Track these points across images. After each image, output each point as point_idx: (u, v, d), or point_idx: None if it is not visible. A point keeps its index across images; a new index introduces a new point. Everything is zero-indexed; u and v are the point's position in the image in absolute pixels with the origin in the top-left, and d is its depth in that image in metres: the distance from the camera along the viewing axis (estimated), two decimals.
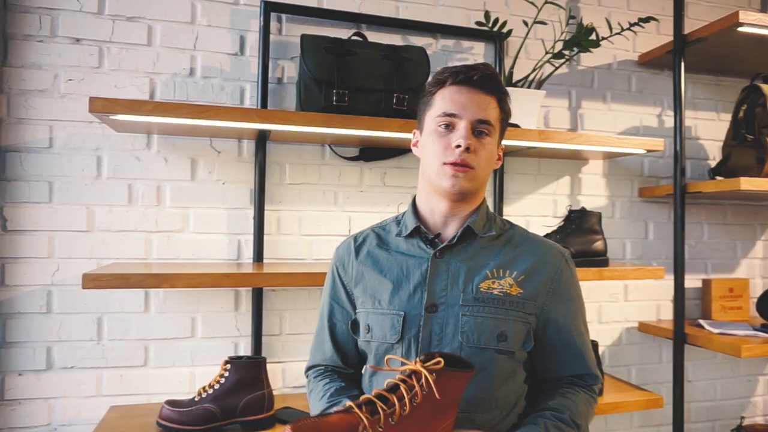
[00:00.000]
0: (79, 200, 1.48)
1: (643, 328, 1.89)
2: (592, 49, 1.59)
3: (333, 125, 1.35)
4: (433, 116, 0.98)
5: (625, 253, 1.93)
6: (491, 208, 1.77)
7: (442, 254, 0.98)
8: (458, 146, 0.94)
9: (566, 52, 1.56)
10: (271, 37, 1.60)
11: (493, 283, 0.96)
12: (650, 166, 1.97)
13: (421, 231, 1.02)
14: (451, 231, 1.01)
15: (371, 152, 1.67)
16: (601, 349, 1.89)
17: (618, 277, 1.57)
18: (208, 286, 1.29)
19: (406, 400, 0.73)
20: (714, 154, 2.02)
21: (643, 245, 1.95)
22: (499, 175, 1.78)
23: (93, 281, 1.20)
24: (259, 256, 1.57)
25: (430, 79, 1.02)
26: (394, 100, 1.43)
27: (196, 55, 1.58)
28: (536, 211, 1.83)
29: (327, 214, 1.66)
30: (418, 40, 1.73)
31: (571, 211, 1.61)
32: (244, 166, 1.60)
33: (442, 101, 0.97)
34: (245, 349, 1.58)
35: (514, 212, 1.81)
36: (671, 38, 1.78)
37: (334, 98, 1.40)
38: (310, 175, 1.65)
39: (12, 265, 1.44)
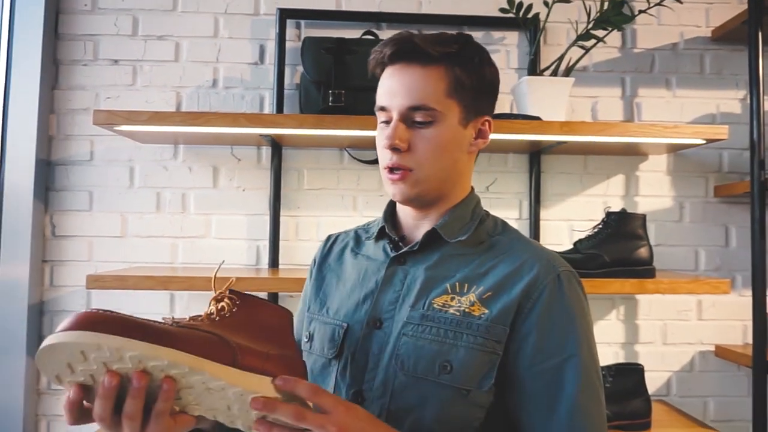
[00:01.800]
0: (114, 208, 1.60)
1: (721, 352, 1.58)
2: (635, 26, 1.40)
3: (326, 126, 1.31)
4: (375, 108, 0.83)
5: (699, 263, 1.64)
6: (519, 210, 1.61)
7: (403, 260, 0.82)
8: (388, 147, 0.78)
9: (597, 33, 1.37)
10: (289, 43, 1.61)
11: (452, 299, 0.77)
12: (731, 160, 1.66)
13: (387, 233, 0.86)
14: (420, 233, 0.84)
15: None
16: (666, 375, 1.61)
17: (665, 291, 1.33)
18: (199, 290, 1.30)
19: (215, 310, 0.67)
20: None
21: (723, 254, 1.64)
22: (535, 174, 1.60)
23: (95, 282, 1.28)
24: (274, 261, 1.57)
25: (369, 60, 0.84)
26: None
27: (219, 66, 1.63)
28: (581, 214, 1.62)
29: (346, 219, 1.62)
30: None
31: (608, 213, 1.40)
32: (262, 173, 1.61)
33: (379, 92, 0.82)
34: None
35: (554, 216, 1.62)
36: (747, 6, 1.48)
37: (330, 99, 1.36)
38: (329, 180, 1.62)
39: (59, 267, 1.58)
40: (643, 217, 1.40)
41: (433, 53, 0.76)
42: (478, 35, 1.65)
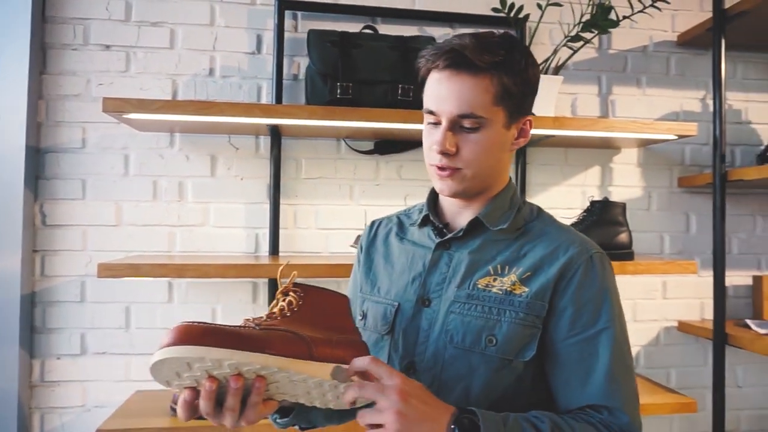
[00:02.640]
0: (108, 196, 1.58)
1: (683, 327, 1.76)
2: (612, 30, 1.50)
3: (335, 117, 1.36)
4: (424, 109, 0.87)
5: (664, 247, 1.81)
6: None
7: (448, 245, 0.89)
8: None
9: (585, 35, 1.48)
10: (287, 34, 1.63)
11: (494, 280, 0.84)
12: (692, 154, 1.83)
13: (431, 220, 0.93)
14: (462, 221, 0.90)
15: (386, 145, 1.67)
16: (635, 349, 1.78)
17: (643, 272, 1.47)
18: (213, 277, 1.33)
19: (285, 306, 0.75)
20: (767, 139, 1.85)
21: (684, 239, 1.82)
22: (521, 165, 1.71)
23: (107, 270, 1.28)
24: (274, 249, 1.60)
25: (418, 63, 0.87)
26: (399, 91, 1.42)
27: (215, 55, 1.63)
28: (562, 203, 1.75)
29: (343, 207, 1.67)
30: (435, 31, 1.70)
31: (592, 202, 1.52)
32: (261, 162, 1.64)
33: (426, 94, 0.86)
34: None
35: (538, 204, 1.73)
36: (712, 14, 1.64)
37: (338, 91, 1.41)
38: (326, 169, 1.66)
39: (51, 257, 1.55)
40: (623, 205, 1.53)
41: (481, 64, 0.80)
42: (468, 31, 1.73)
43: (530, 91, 0.87)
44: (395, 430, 0.67)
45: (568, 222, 1.55)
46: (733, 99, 1.84)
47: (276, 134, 1.60)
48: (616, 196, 1.78)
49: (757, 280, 1.79)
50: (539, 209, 0.95)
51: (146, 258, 1.46)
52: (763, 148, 1.82)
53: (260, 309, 1.62)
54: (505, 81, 0.82)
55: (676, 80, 1.82)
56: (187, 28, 1.62)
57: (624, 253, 1.48)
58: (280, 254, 1.62)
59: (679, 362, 1.80)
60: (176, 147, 1.61)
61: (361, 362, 0.71)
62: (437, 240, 0.90)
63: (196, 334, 0.65)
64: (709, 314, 1.80)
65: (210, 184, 1.62)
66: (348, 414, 0.89)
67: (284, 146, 1.64)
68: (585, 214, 1.52)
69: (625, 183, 1.80)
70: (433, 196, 0.97)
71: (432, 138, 0.84)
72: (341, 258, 1.57)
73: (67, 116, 1.57)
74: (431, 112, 0.84)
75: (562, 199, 1.75)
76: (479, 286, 0.84)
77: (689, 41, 1.77)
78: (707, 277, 1.79)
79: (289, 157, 1.65)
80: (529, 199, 1.72)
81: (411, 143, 1.68)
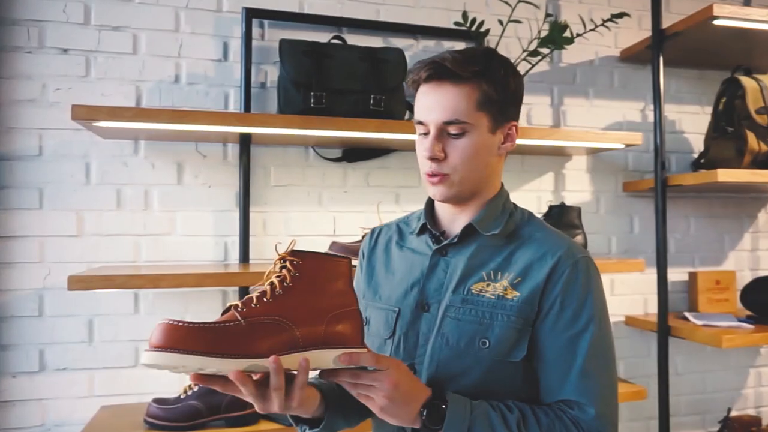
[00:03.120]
0: (68, 206, 1.53)
1: (630, 321, 1.91)
2: (567, 46, 1.62)
3: (311, 127, 1.39)
4: (414, 121, 0.92)
5: (611, 248, 1.95)
6: None
7: (445, 252, 0.93)
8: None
9: (542, 50, 1.58)
10: (254, 42, 1.64)
11: (488, 285, 0.88)
12: (634, 160, 1.99)
13: (428, 228, 0.97)
14: (457, 227, 0.94)
15: (354, 153, 1.71)
16: None
17: (600, 271, 1.58)
18: (192, 286, 1.32)
19: (276, 282, 0.75)
20: (699, 148, 2.03)
21: (628, 240, 1.97)
22: None
23: (79, 282, 1.24)
24: (244, 257, 1.60)
25: (407, 79, 0.93)
26: (371, 101, 1.47)
27: (181, 62, 1.62)
28: None
29: (312, 214, 1.70)
30: (399, 42, 1.76)
31: (551, 207, 1.63)
32: (229, 170, 1.63)
33: (416, 106, 0.91)
34: None
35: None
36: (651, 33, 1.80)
37: (312, 100, 1.43)
38: (295, 176, 1.68)
39: (5, 270, 1.48)
40: (579, 209, 1.65)
41: (462, 74, 0.86)
42: (429, 44, 1.81)
43: (512, 97, 0.92)
44: (381, 408, 0.77)
45: None
46: (669, 110, 2.01)
47: (245, 142, 1.60)
48: (568, 200, 1.90)
49: (693, 276, 1.96)
50: (530, 214, 0.98)
51: (117, 269, 1.43)
52: (696, 156, 2.00)
53: None
54: (485, 88, 0.87)
55: (619, 92, 1.98)
56: (150, 33, 1.60)
57: None
58: (251, 261, 1.62)
59: (627, 354, 1.95)
60: (141, 154, 1.58)
61: (366, 360, 0.76)
62: (434, 247, 0.94)
63: (174, 338, 0.66)
64: (652, 308, 1.95)
65: (177, 193, 1.60)
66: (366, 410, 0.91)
67: (253, 154, 1.64)
68: (544, 218, 1.62)
69: (576, 188, 1.93)
70: (430, 205, 1.01)
71: (422, 147, 0.90)
72: None
73: (21, 122, 1.51)
74: (421, 123, 0.89)
75: (519, 203, 1.84)
76: (473, 291, 0.89)
77: (631, 57, 1.92)
78: (650, 275, 1.94)
79: (258, 165, 1.65)
80: None
81: (378, 151, 1.72)
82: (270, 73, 1.67)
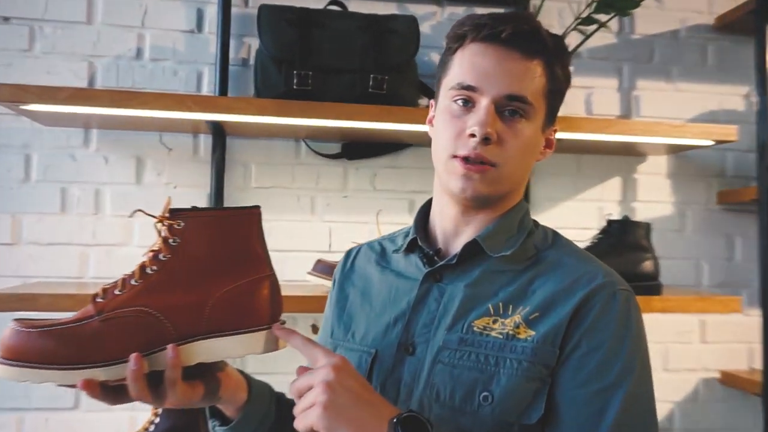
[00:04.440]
0: (3, 208, 1.58)
1: (727, 379, 1.80)
2: (633, 11, 1.55)
3: (290, 114, 1.38)
4: (447, 87, 0.89)
5: (701, 279, 1.85)
6: None
7: (439, 276, 0.91)
8: (473, 135, 0.84)
9: (599, 17, 1.53)
10: (234, 9, 1.65)
11: (494, 321, 0.85)
12: (734, 163, 1.88)
13: (419, 245, 0.94)
14: (459, 245, 0.91)
15: (357, 148, 1.69)
16: (667, 407, 1.80)
17: (674, 309, 1.50)
18: None
19: (147, 259, 0.74)
20: None
21: (725, 269, 1.86)
22: None
23: None
24: None
25: (449, 31, 0.92)
26: (371, 83, 1.45)
27: (144, 33, 1.65)
28: (574, 222, 1.78)
29: (302, 224, 1.69)
30: (418, 9, 1.74)
31: (610, 222, 1.56)
32: (200, 167, 1.65)
33: (460, 66, 0.88)
34: None
35: (544, 224, 1.76)
36: None
37: (295, 81, 1.43)
38: (282, 177, 1.68)
39: None
40: (648, 225, 1.57)
41: (536, 47, 0.86)
42: (457, 11, 1.78)
43: (564, 96, 0.93)
44: (322, 425, 0.72)
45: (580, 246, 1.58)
46: None
47: (219, 133, 1.61)
48: (641, 214, 1.81)
49: None
50: (555, 234, 0.96)
51: (49, 286, 1.46)
52: None
53: None
54: (557, 73, 0.89)
55: (714, 73, 1.88)
56: None
57: (648, 285, 1.51)
58: None
59: (724, 423, 1.83)
60: (92, 146, 1.62)
61: (296, 341, 0.78)
62: (426, 269, 0.91)
63: (14, 347, 0.68)
64: (759, 362, 1.83)
65: (135, 194, 1.63)
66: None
67: (229, 147, 1.66)
68: (600, 236, 1.55)
69: (652, 198, 1.84)
70: (424, 214, 0.98)
71: (461, 123, 0.86)
72: (301, 288, 1.57)
73: None
74: (468, 87, 0.86)
75: (574, 217, 1.79)
76: (475, 328, 0.85)
77: (729, 25, 1.83)
78: (754, 316, 1.83)
79: (235, 161, 1.66)
80: (535, 218, 1.75)
81: (386, 146, 1.70)
82: (254, 47, 1.67)
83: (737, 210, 1.87)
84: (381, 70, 1.46)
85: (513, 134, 0.86)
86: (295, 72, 1.43)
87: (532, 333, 0.83)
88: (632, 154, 1.82)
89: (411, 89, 1.53)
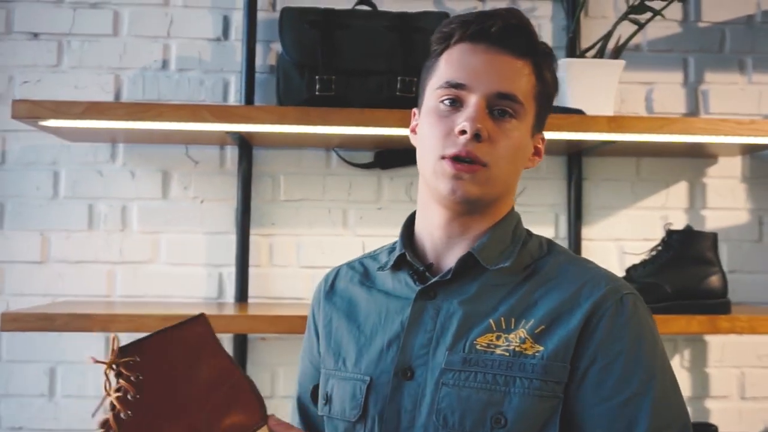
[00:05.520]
0: (32, 225, 1.60)
1: None
2: None
3: (312, 121, 1.34)
4: (433, 87, 0.90)
5: None
6: (555, 227, 1.65)
7: (433, 293, 0.89)
8: (463, 132, 0.83)
9: (652, 4, 1.42)
10: (261, 14, 1.64)
11: (498, 338, 0.84)
12: None
13: (408, 261, 0.93)
14: (452, 259, 0.91)
15: (390, 157, 1.64)
16: None
17: (745, 330, 1.37)
18: (149, 331, 1.31)
19: (118, 404, 0.70)
20: None
21: None
22: (574, 181, 1.64)
23: (12, 322, 1.28)
24: (242, 294, 1.59)
25: (435, 33, 0.93)
26: (398, 85, 1.40)
27: (170, 43, 1.65)
28: (634, 233, 1.66)
29: (334, 239, 1.65)
30: (458, 5, 1.67)
31: (670, 232, 1.44)
32: (227, 180, 1.63)
33: (447, 66, 0.88)
34: None
35: (599, 235, 1.66)
36: None
37: (318, 86, 1.40)
38: (312, 188, 1.65)
39: None
40: (714, 236, 1.44)
41: (523, 47, 0.87)
42: (501, 5, 1.69)
43: (552, 103, 0.95)
44: None
45: (636, 260, 1.46)
46: None
47: (245, 144, 1.59)
48: (711, 222, 1.68)
49: None
50: (549, 242, 0.95)
51: (76, 306, 1.46)
52: None
53: None
54: (545, 75, 0.90)
55: None
56: (134, 9, 1.65)
57: (716, 304, 1.38)
58: (250, 300, 1.60)
59: None
60: (119, 161, 1.63)
61: None
62: (418, 287, 0.89)
63: None
64: None
65: (161, 209, 1.62)
66: None
67: (256, 159, 1.63)
68: (659, 248, 1.43)
69: (725, 205, 1.70)
70: (410, 228, 0.96)
71: (449, 122, 0.85)
72: None
73: None
74: (456, 86, 0.86)
75: (634, 227, 1.67)
76: (478, 347, 0.84)
77: None
78: None
79: (263, 173, 1.64)
80: (586, 228, 1.66)
81: None
82: None
83: None
84: (409, 72, 1.41)
85: (503, 134, 0.85)
86: (317, 77, 1.39)
87: (540, 348, 0.82)
88: (700, 155, 1.69)
89: None
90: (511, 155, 0.87)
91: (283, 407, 1.59)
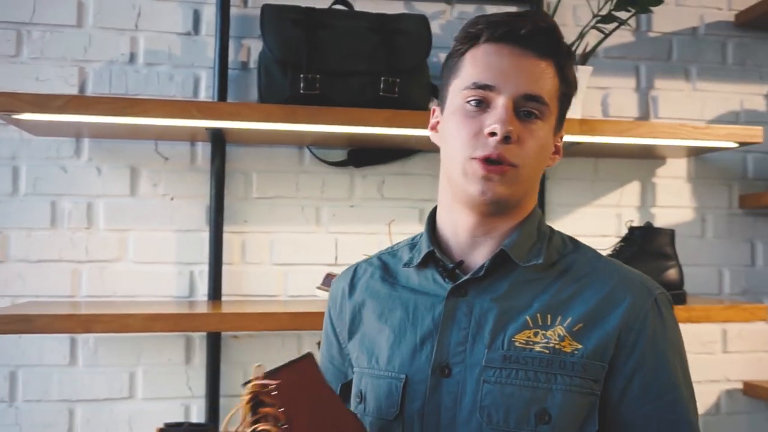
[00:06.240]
0: None
1: (750, 390, 1.79)
2: (655, 9, 1.54)
3: (299, 120, 1.37)
4: (459, 88, 0.90)
5: (722, 286, 1.84)
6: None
7: (464, 291, 0.90)
8: (493, 134, 0.84)
9: (619, 14, 1.52)
10: (233, 10, 1.64)
11: (535, 334, 0.86)
12: (756, 165, 1.89)
13: (436, 258, 0.94)
14: (480, 257, 0.92)
15: (363, 155, 1.68)
16: None
17: (700, 319, 1.50)
18: (136, 331, 1.30)
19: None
20: None
21: (748, 276, 1.86)
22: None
23: None
24: (215, 292, 1.58)
25: (459, 32, 0.94)
26: (382, 86, 1.44)
27: (138, 36, 1.63)
28: (592, 229, 1.77)
29: (307, 236, 1.67)
30: (426, 7, 1.72)
31: (632, 229, 1.55)
32: (198, 177, 1.63)
33: (473, 66, 0.88)
34: (198, 414, 1.58)
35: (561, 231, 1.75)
36: None
37: (302, 85, 1.41)
38: (285, 185, 1.66)
39: None
40: (672, 232, 1.56)
41: (547, 49, 0.88)
42: (467, 9, 1.77)
43: (571, 99, 0.96)
44: None
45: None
46: None
47: (219, 140, 1.59)
48: (660, 219, 1.81)
49: None
50: (572, 239, 0.98)
51: (42, 306, 1.42)
52: None
53: (195, 372, 1.59)
54: (564, 75, 0.91)
55: (734, 71, 1.88)
56: (100, 0, 1.61)
57: (674, 295, 1.48)
58: (223, 298, 1.60)
59: None
60: (84, 156, 1.59)
61: None
62: (449, 285, 0.90)
63: None
64: None
65: (130, 206, 1.60)
66: None
67: (229, 156, 1.63)
68: (622, 244, 1.54)
69: (672, 203, 1.83)
70: (434, 224, 0.98)
71: (477, 122, 0.86)
72: (305, 303, 1.56)
73: None
74: (484, 87, 0.87)
75: (591, 224, 1.78)
76: (517, 343, 0.85)
77: (751, 22, 1.83)
78: None
79: (235, 170, 1.64)
80: (551, 225, 1.73)
81: (395, 152, 1.68)
82: (254, 49, 1.66)
83: (760, 215, 1.86)
84: (393, 73, 1.45)
85: (530, 134, 0.87)
86: (302, 75, 1.41)
87: (579, 346, 0.85)
88: (651, 157, 1.81)
89: (423, 92, 1.52)
90: (538, 155, 0.88)
91: None
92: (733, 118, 1.87)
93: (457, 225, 0.93)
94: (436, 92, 1.60)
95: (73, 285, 1.57)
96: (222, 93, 1.59)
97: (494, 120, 0.85)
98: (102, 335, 1.56)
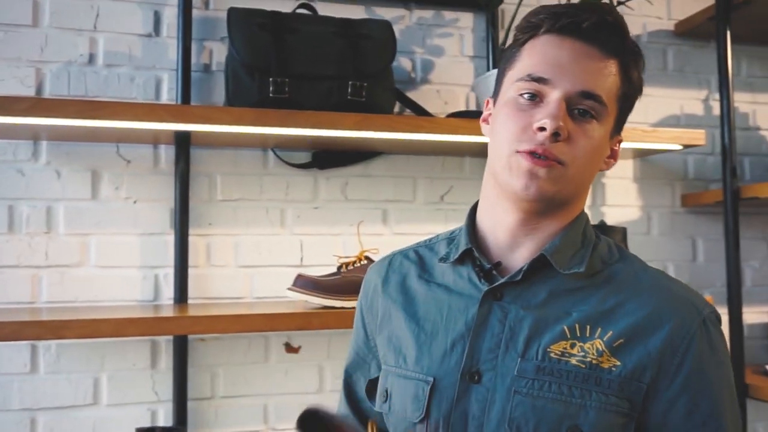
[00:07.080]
0: None
1: None
2: None
3: (270, 123, 1.39)
4: (513, 79, 0.86)
5: None
6: None
7: (500, 294, 0.86)
8: (542, 129, 0.81)
9: None
10: (195, 12, 1.65)
11: (572, 346, 0.82)
12: (696, 166, 2.01)
13: (474, 256, 0.90)
14: (519, 259, 0.88)
15: (327, 157, 1.71)
16: None
17: None
18: (107, 336, 1.30)
19: None
20: None
21: (690, 270, 1.98)
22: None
23: None
24: (181, 295, 1.59)
25: (520, 22, 0.90)
26: (349, 90, 1.48)
27: (97, 37, 1.62)
28: None
29: (272, 238, 1.69)
30: (386, 12, 1.77)
31: None
32: (161, 179, 1.63)
33: (530, 57, 0.85)
34: (166, 418, 1.59)
35: None
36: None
37: (272, 89, 1.44)
38: (249, 188, 1.68)
39: None
40: (624, 230, 1.66)
41: (611, 46, 0.85)
42: (426, 15, 1.83)
43: (635, 102, 0.93)
44: None
45: None
46: (741, 100, 2.03)
47: (184, 143, 1.60)
48: (610, 217, 1.91)
49: None
50: (619, 247, 0.94)
51: (2, 314, 1.40)
52: None
53: (161, 376, 1.59)
54: (632, 76, 0.88)
55: (674, 77, 2.00)
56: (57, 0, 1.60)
57: None
58: (190, 301, 1.61)
59: None
60: (42, 159, 1.57)
61: None
62: (485, 286, 0.88)
63: None
64: None
65: (91, 210, 1.59)
66: None
67: (193, 158, 1.64)
68: None
69: (620, 202, 1.94)
70: (471, 221, 0.94)
71: (528, 116, 0.83)
72: (272, 305, 1.58)
73: None
74: (538, 79, 0.84)
75: None
76: (552, 354, 0.82)
77: (690, 31, 1.95)
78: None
79: (199, 173, 1.65)
80: None
81: (358, 154, 1.73)
82: (216, 52, 1.67)
83: (700, 212, 1.99)
84: (359, 77, 1.49)
85: (583, 134, 0.83)
86: (271, 79, 1.43)
87: (617, 363, 0.81)
88: None
89: (388, 96, 1.56)
90: (589, 156, 0.84)
91: (223, 408, 1.62)
92: (674, 121, 1.99)
93: (497, 222, 0.90)
94: (400, 96, 1.66)
95: (33, 291, 1.55)
96: (185, 96, 1.59)
97: (545, 115, 0.81)
98: (64, 341, 1.54)
